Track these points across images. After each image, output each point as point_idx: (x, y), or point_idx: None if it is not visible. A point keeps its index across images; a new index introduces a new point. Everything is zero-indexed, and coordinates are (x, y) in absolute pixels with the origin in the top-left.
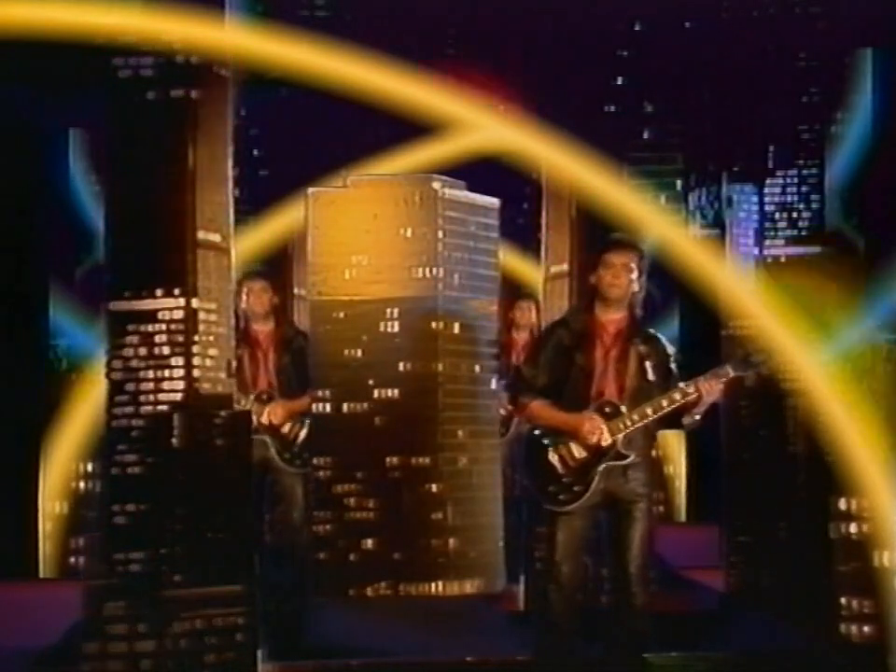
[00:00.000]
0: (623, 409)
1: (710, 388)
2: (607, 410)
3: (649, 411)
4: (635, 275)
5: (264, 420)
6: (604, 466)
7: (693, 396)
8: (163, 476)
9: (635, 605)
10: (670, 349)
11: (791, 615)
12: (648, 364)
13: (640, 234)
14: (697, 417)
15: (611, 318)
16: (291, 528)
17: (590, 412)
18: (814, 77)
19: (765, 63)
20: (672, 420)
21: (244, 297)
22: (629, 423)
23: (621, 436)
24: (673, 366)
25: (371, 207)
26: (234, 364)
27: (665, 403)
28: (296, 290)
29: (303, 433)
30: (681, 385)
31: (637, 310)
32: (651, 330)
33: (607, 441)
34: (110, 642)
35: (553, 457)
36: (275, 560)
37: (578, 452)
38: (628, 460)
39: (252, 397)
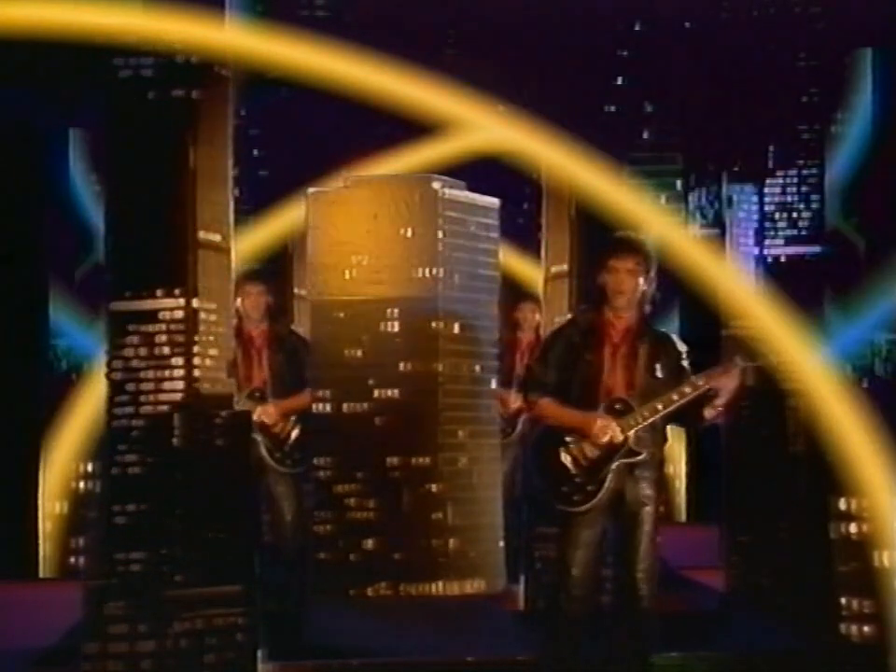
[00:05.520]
0: (634, 406)
1: (721, 380)
2: (617, 407)
3: (659, 406)
4: (641, 279)
5: (256, 418)
6: (616, 464)
7: (703, 388)
8: (163, 476)
9: (641, 607)
10: (682, 347)
11: (791, 615)
12: (657, 362)
13: (643, 233)
14: (721, 409)
15: (620, 317)
16: (285, 529)
17: (600, 410)
18: (814, 77)
19: (765, 62)
20: (689, 417)
21: (239, 298)
22: (640, 419)
23: (632, 433)
24: (685, 363)
25: (371, 207)
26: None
27: (675, 398)
28: (296, 290)
29: (295, 432)
30: (692, 378)
31: (646, 308)
32: (663, 330)
33: (618, 439)
34: (110, 642)
35: (566, 457)
36: (275, 560)
37: (590, 451)
38: (640, 457)
39: (245, 395)
